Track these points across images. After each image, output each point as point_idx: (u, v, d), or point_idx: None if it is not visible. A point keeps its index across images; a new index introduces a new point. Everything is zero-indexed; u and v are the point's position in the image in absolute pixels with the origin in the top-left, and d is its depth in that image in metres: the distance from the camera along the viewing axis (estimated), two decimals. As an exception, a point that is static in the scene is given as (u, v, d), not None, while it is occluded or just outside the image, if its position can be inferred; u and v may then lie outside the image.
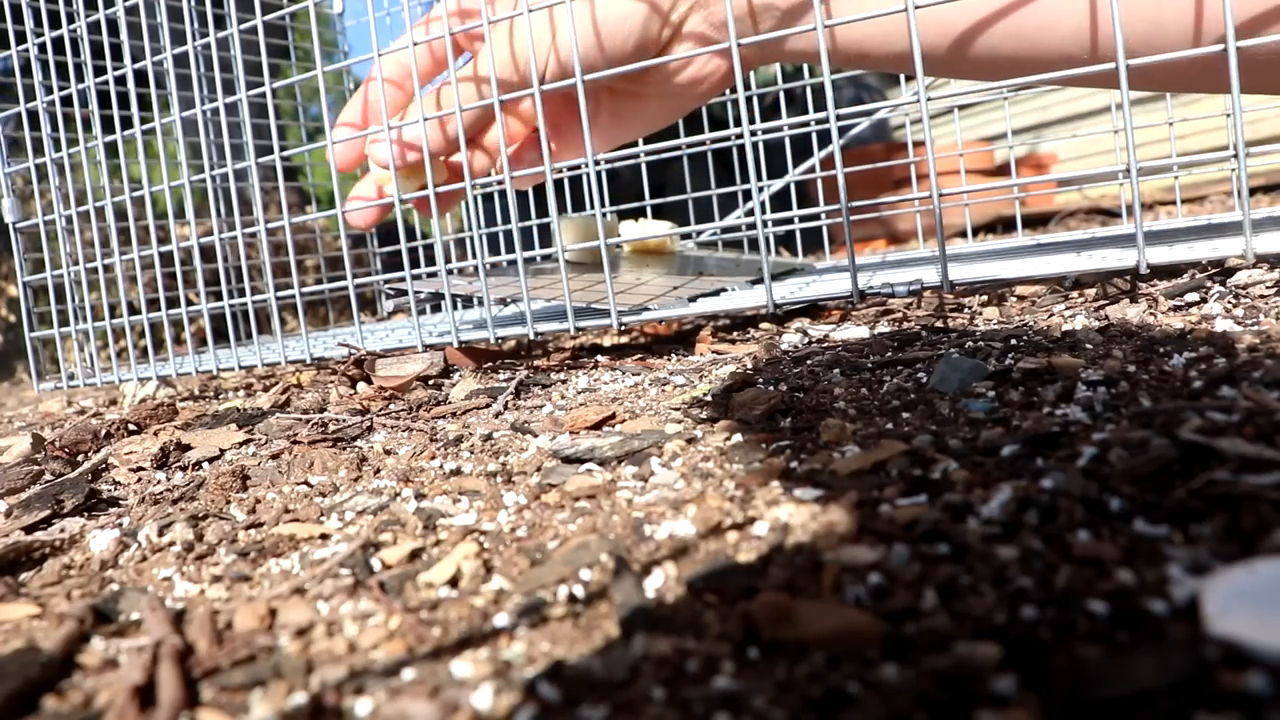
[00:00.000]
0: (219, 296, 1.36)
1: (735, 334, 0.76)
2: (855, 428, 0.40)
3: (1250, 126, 1.77)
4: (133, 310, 0.85)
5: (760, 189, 1.11)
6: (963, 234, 1.96)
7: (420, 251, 1.32)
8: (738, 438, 0.42)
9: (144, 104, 1.11)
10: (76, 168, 0.88)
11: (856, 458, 0.36)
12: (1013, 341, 0.52)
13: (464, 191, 0.64)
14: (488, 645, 0.26)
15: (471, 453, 0.48)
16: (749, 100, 0.62)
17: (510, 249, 1.48)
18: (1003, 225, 2.10)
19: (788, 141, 1.06)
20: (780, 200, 2.24)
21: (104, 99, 0.88)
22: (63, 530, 0.43)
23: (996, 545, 0.27)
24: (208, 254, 1.43)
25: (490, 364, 0.74)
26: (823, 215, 1.07)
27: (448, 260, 1.39)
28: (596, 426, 0.48)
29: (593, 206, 0.72)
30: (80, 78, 0.82)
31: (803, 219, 1.15)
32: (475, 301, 1.02)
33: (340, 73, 1.37)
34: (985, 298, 0.75)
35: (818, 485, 0.34)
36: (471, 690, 0.24)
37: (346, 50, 1.50)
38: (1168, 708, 0.18)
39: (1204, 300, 0.57)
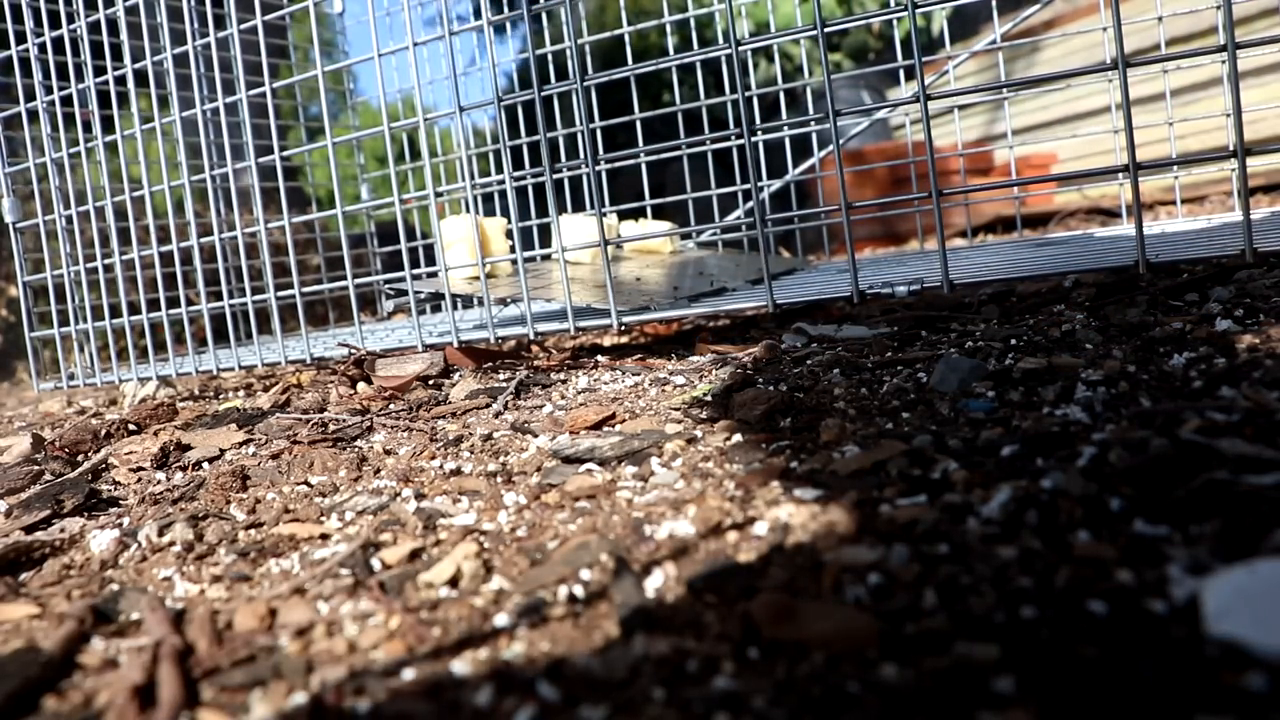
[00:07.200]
0: (219, 296, 1.36)
1: (735, 334, 0.76)
2: (855, 428, 0.40)
3: (1250, 126, 1.76)
4: (133, 310, 0.85)
5: (760, 189, 1.11)
6: (963, 234, 1.96)
7: (420, 251, 1.32)
8: (738, 438, 0.42)
9: (143, 104, 1.11)
10: (76, 168, 0.88)
11: (856, 458, 0.36)
12: (1013, 341, 0.52)
13: None
14: (488, 645, 0.26)
15: (471, 453, 0.48)
16: (749, 100, 0.62)
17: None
18: (1003, 225, 2.10)
19: (788, 141, 1.06)
20: (780, 200, 2.24)
21: (104, 99, 0.87)
22: (63, 530, 0.43)
23: (996, 545, 0.27)
24: (208, 254, 1.43)
25: (490, 364, 0.74)
26: (823, 215, 1.07)
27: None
28: (596, 426, 0.48)
29: (593, 206, 0.72)
30: (80, 78, 0.82)
31: (803, 219, 1.16)
32: (475, 301, 1.02)
33: (340, 73, 1.37)
34: (985, 297, 0.75)
35: (818, 485, 0.34)
36: (471, 690, 0.24)
37: (346, 50, 1.50)
38: (1168, 708, 0.18)
39: (1204, 300, 0.57)
